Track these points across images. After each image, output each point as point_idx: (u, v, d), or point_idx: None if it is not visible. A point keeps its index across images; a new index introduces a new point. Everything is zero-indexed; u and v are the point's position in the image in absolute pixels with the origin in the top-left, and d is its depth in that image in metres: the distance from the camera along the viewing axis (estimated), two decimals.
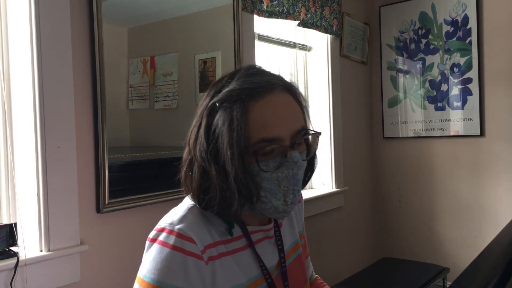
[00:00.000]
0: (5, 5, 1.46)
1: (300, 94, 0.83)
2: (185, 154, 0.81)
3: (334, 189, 2.89)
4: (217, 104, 0.76)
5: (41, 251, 1.40)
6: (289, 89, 0.81)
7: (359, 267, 3.01)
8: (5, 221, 1.45)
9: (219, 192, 0.75)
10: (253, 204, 0.77)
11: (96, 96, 1.54)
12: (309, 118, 0.84)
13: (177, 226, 0.75)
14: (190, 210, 0.79)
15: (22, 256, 1.34)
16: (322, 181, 2.92)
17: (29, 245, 1.41)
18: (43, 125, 1.39)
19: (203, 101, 0.80)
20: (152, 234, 0.77)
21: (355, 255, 3.17)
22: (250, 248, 0.82)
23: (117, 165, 1.63)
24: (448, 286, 2.77)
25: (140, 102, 1.76)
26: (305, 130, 0.79)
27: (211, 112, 0.77)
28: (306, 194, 2.72)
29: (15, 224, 1.39)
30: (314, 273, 1.14)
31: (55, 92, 1.42)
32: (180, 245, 0.73)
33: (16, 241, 1.38)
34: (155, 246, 0.75)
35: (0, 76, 1.43)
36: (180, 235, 0.74)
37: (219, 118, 0.75)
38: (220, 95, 0.77)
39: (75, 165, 1.47)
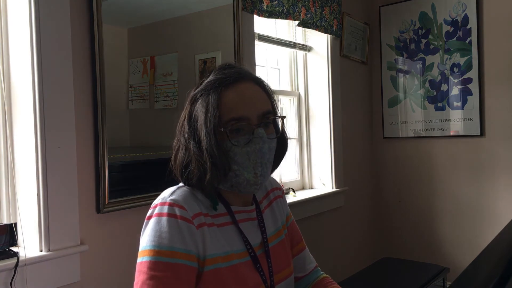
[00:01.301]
0: (5, 5, 1.46)
1: (267, 85, 0.97)
2: (174, 142, 0.95)
3: (334, 189, 2.88)
4: (197, 94, 0.92)
5: (41, 251, 1.40)
6: (257, 81, 0.95)
7: (359, 267, 3.01)
8: (5, 221, 1.45)
9: (196, 164, 0.88)
10: (226, 175, 0.89)
11: (96, 96, 1.54)
12: (276, 106, 0.97)
13: (169, 198, 0.87)
14: (179, 188, 0.92)
15: (22, 256, 1.34)
16: (322, 181, 2.92)
17: (29, 245, 1.41)
18: (43, 125, 1.39)
19: (189, 95, 0.95)
20: (149, 212, 0.88)
21: (355, 255, 3.17)
22: (234, 224, 0.93)
23: (117, 165, 1.63)
24: (448, 286, 2.76)
25: (140, 102, 1.76)
26: (270, 113, 0.92)
27: (193, 101, 0.92)
28: (306, 194, 2.72)
29: (15, 224, 1.39)
30: (321, 271, 1.15)
31: (55, 92, 1.42)
32: (173, 212, 0.85)
33: (16, 241, 1.38)
34: (152, 219, 0.86)
35: (0, 76, 1.43)
36: (172, 204, 0.86)
37: (198, 105, 0.91)
38: (200, 87, 0.93)
39: (75, 165, 1.47)
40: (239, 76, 0.92)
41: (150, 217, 0.87)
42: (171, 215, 0.84)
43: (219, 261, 0.87)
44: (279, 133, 0.97)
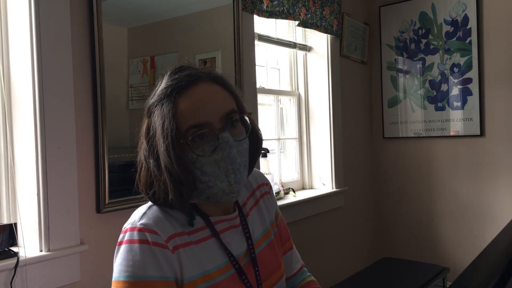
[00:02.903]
0: (5, 5, 1.46)
1: (228, 83, 0.88)
2: (137, 159, 0.88)
3: (334, 189, 2.88)
4: (153, 105, 0.84)
5: (41, 251, 1.40)
6: (215, 80, 0.86)
7: (359, 267, 3.01)
8: (5, 221, 1.45)
9: (156, 184, 0.82)
10: (193, 191, 0.82)
11: (96, 96, 1.54)
12: (241, 102, 0.89)
13: (139, 222, 0.80)
14: (150, 208, 0.85)
15: (22, 256, 1.34)
16: (322, 181, 2.92)
17: (29, 245, 1.41)
18: (43, 125, 1.39)
19: (146, 106, 0.87)
20: (119, 238, 0.81)
21: (355, 255, 3.17)
22: (215, 237, 0.86)
23: (117, 165, 1.63)
24: (448, 286, 2.76)
25: (140, 102, 1.76)
26: (234, 112, 0.84)
27: (149, 114, 0.85)
28: (306, 194, 2.72)
29: (15, 224, 1.39)
30: (309, 274, 1.13)
31: (55, 92, 1.42)
32: (144, 238, 0.78)
33: (16, 241, 1.38)
34: (123, 246, 0.79)
35: (0, 76, 1.43)
36: (143, 229, 0.78)
37: (155, 118, 0.83)
38: (154, 97, 0.85)
39: (75, 165, 1.47)
40: (191, 78, 0.83)
41: (121, 243, 0.80)
42: (143, 241, 0.77)
43: (197, 283, 0.80)
44: (248, 132, 0.88)
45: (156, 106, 0.83)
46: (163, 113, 0.80)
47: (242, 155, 0.84)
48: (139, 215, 0.82)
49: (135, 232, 0.78)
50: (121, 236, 0.81)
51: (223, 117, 0.82)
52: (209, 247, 0.85)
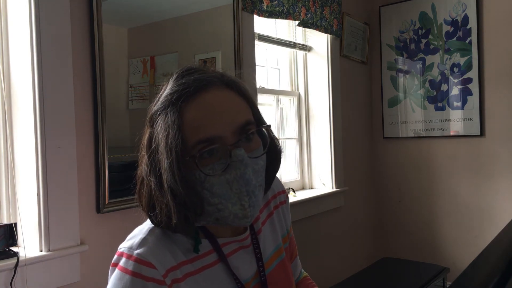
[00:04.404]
0: (5, 5, 1.46)
1: (244, 88, 0.76)
2: (138, 171, 0.77)
3: (334, 189, 2.88)
4: (156, 113, 0.73)
5: (41, 251, 1.40)
6: (229, 84, 0.74)
7: (359, 267, 3.01)
8: (5, 221, 1.45)
9: (158, 206, 0.71)
10: (200, 215, 0.72)
11: (96, 96, 1.54)
12: (258, 112, 0.78)
13: (136, 251, 0.70)
14: (151, 231, 0.74)
15: (22, 256, 1.34)
16: (322, 181, 2.92)
17: (29, 245, 1.41)
18: (43, 125, 1.39)
19: (149, 113, 0.76)
20: (114, 258, 0.73)
21: (355, 255, 3.17)
22: (221, 262, 0.77)
23: (117, 165, 1.63)
24: (448, 286, 2.76)
25: (140, 102, 1.76)
26: (250, 124, 0.72)
27: (151, 123, 0.73)
28: (306, 194, 2.72)
29: (15, 224, 1.39)
30: (303, 270, 1.10)
31: (55, 92, 1.42)
32: (138, 271, 0.69)
33: (16, 241, 1.38)
34: (116, 272, 0.71)
35: (0, 76, 1.43)
36: (138, 260, 0.69)
37: (157, 128, 0.71)
38: (158, 104, 0.73)
39: (75, 165, 1.47)
40: (201, 83, 0.71)
41: (115, 265, 0.72)
42: (136, 274, 0.68)
43: None
44: (266, 147, 0.75)
45: (159, 114, 0.71)
46: (167, 124, 0.69)
47: (258, 175, 0.73)
48: (138, 240, 0.72)
49: (130, 262, 0.70)
50: (116, 257, 0.73)
51: (237, 130, 0.70)
52: (215, 274, 0.76)
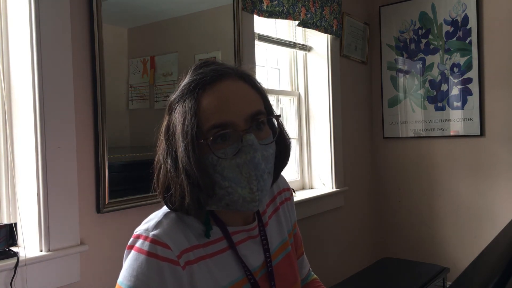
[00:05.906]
0: (5, 5, 1.46)
1: (256, 81, 0.82)
2: (156, 159, 0.81)
3: (334, 189, 2.88)
4: (174, 101, 0.79)
5: (41, 251, 1.40)
6: (242, 77, 0.80)
7: (359, 267, 3.01)
8: (5, 221, 1.45)
9: (173, 187, 0.76)
10: (211, 197, 0.76)
11: (96, 96, 1.54)
12: (269, 103, 0.83)
13: (152, 232, 0.74)
14: (166, 215, 0.78)
15: (22, 256, 1.34)
16: (322, 181, 2.92)
17: (29, 245, 1.41)
18: (43, 125, 1.39)
19: (167, 103, 0.81)
20: (130, 241, 0.77)
21: (355, 255, 3.17)
22: (231, 249, 0.81)
23: (117, 165, 1.63)
24: (448, 286, 2.76)
25: (140, 102, 1.76)
26: (261, 114, 0.77)
27: (170, 111, 0.79)
28: (306, 194, 2.72)
29: (15, 224, 1.39)
30: (312, 272, 1.12)
31: (55, 92, 1.42)
32: (154, 251, 0.72)
33: (16, 241, 1.38)
34: (132, 253, 0.74)
35: (0, 76, 1.43)
36: (154, 241, 0.73)
37: (175, 115, 0.77)
38: (176, 93, 0.79)
39: (75, 165, 1.47)
40: (217, 73, 0.77)
41: (131, 247, 0.75)
42: (151, 254, 0.72)
43: None
44: (276, 136, 0.81)
45: (177, 102, 0.77)
46: (184, 110, 0.75)
47: (267, 161, 0.77)
48: (153, 223, 0.76)
49: (146, 243, 0.73)
50: (132, 240, 0.76)
51: (249, 117, 0.75)
52: (225, 261, 0.80)
